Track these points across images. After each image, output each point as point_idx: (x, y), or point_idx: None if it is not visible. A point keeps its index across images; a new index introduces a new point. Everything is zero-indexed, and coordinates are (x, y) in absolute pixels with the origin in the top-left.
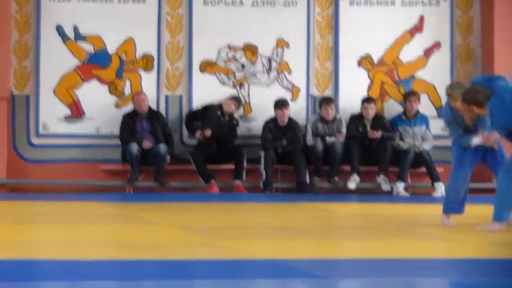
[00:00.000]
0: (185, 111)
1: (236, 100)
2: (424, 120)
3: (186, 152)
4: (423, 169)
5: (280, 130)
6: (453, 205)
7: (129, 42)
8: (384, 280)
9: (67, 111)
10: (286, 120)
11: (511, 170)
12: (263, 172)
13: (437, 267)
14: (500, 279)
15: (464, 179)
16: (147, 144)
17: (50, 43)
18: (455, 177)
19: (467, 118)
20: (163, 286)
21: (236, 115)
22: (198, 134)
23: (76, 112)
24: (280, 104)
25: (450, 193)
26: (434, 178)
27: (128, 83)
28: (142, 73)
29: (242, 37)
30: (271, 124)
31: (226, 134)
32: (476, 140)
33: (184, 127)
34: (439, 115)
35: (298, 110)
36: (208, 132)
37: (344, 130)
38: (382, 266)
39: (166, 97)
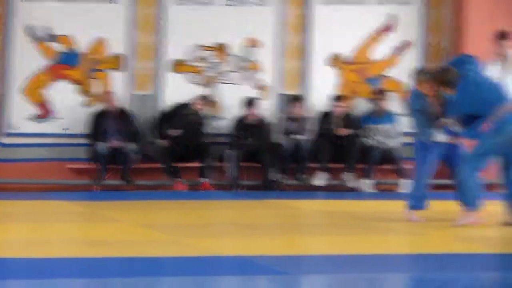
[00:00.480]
0: (156, 110)
1: (205, 98)
2: (392, 117)
3: (154, 150)
4: (391, 166)
5: (249, 128)
6: (418, 202)
7: (100, 42)
8: (348, 276)
9: (36, 111)
10: (255, 118)
11: (471, 161)
12: (230, 170)
13: (402, 263)
14: (465, 274)
15: (428, 176)
16: (114, 143)
17: (20, 43)
18: (420, 174)
19: (435, 105)
20: (130, 283)
21: (204, 114)
22: (168, 135)
23: (45, 111)
24: (250, 103)
25: (416, 189)
26: (401, 175)
27: (97, 83)
28: (113, 73)
29: (213, 36)
30: (241, 123)
31: (194, 132)
32: (441, 137)
33: (153, 126)
34: (407, 105)
35: (267, 108)
36: (175, 133)
37: (313, 128)
38: (347, 262)
39: (137, 97)
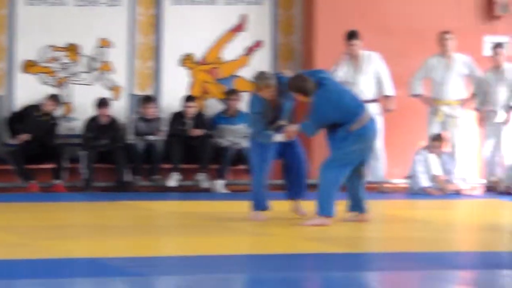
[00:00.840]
0: (7, 111)
1: (54, 99)
2: (244, 118)
3: (6, 152)
4: (243, 167)
5: (101, 129)
6: (260, 202)
7: None
8: (200, 277)
9: None
10: (107, 119)
11: (332, 167)
12: (84, 171)
13: (252, 263)
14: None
15: (265, 176)
16: None
17: None
18: (259, 174)
19: (272, 108)
20: None
21: (55, 114)
22: (18, 139)
23: None
24: (102, 103)
25: (257, 189)
26: (219, 175)
27: None
28: None
29: (64, 36)
30: (93, 123)
31: (46, 134)
32: (278, 137)
33: (4, 128)
34: (248, 108)
35: (119, 109)
36: (25, 137)
37: (165, 128)
38: (200, 263)
39: None
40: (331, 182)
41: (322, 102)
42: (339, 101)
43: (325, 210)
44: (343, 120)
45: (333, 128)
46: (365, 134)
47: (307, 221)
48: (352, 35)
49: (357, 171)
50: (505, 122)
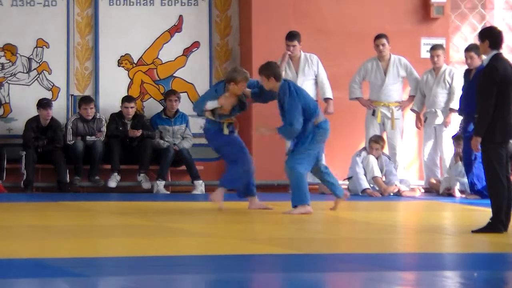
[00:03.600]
0: None
1: None
2: (184, 118)
3: None
4: (183, 167)
5: (41, 130)
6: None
7: None
8: (144, 277)
9: None
10: (47, 119)
11: (300, 162)
12: (24, 171)
13: (195, 264)
14: (253, 275)
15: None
16: None
17: None
18: (245, 160)
19: (228, 104)
20: None
21: None
22: None
23: None
24: (44, 104)
25: (243, 176)
26: (194, 176)
27: None
28: None
29: (1, 37)
30: (33, 124)
31: None
32: (210, 104)
33: None
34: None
35: (58, 109)
36: None
37: (104, 129)
38: (143, 263)
39: None
40: (301, 175)
41: (294, 103)
42: (301, 100)
43: (303, 200)
44: (305, 117)
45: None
46: (324, 129)
47: (291, 211)
48: (291, 36)
49: (317, 163)
50: (445, 124)
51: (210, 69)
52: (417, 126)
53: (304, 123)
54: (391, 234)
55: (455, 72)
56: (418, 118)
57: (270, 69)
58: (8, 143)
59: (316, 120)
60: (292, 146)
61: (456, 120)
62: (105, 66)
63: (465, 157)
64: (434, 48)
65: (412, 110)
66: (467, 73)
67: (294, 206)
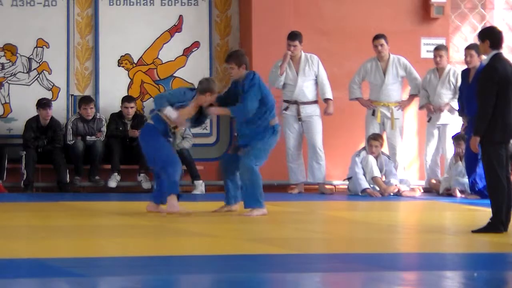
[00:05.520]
0: None
1: None
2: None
3: None
4: (183, 167)
5: (41, 130)
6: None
7: None
8: (144, 277)
9: None
10: (47, 119)
11: (256, 164)
12: (24, 171)
13: (195, 264)
14: (253, 274)
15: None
16: None
17: None
18: (176, 161)
19: (185, 117)
20: None
21: None
22: None
23: None
24: (44, 104)
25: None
26: (194, 176)
27: None
28: None
29: (1, 37)
30: (33, 124)
31: None
32: (169, 111)
33: None
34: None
35: (58, 109)
36: None
37: (104, 129)
38: (143, 263)
39: None
40: (257, 176)
41: (255, 88)
42: (267, 93)
43: (257, 203)
44: (260, 113)
45: (249, 120)
46: (278, 132)
47: (248, 213)
48: (292, 36)
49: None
50: (448, 123)
51: (210, 69)
52: (429, 110)
53: (262, 114)
54: (391, 234)
55: (459, 72)
56: (427, 107)
57: (242, 57)
58: (8, 143)
59: (273, 121)
60: (244, 142)
61: (458, 121)
62: (105, 66)
63: (468, 157)
64: (437, 48)
65: (420, 108)
66: (465, 73)
67: (249, 207)
